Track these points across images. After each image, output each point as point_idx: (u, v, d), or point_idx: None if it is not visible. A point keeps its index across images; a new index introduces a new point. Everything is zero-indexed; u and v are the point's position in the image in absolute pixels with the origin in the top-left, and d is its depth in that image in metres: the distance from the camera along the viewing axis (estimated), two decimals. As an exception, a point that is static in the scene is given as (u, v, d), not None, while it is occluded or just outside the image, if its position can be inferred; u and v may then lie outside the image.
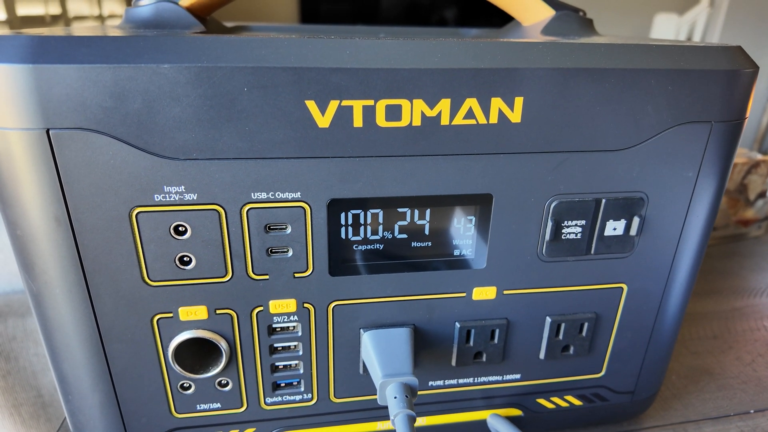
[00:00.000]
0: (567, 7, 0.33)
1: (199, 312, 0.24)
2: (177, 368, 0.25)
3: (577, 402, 0.31)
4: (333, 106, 0.21)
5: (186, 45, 0.20)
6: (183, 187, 0.22)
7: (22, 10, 1.88)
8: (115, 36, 0.20)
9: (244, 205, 0.23)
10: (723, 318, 0.49)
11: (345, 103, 0.22)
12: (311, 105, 0.21)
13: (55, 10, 2.15)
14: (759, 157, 0.63)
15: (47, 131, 0.20)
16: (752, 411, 0.37)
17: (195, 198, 0.22)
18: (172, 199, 0.22)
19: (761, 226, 0.65)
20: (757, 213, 0.64)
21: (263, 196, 0.23)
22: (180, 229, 0.23)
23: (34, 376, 0.66)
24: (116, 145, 0.21)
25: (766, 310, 0.50)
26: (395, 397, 0.23)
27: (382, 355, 0.25)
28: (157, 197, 0.22)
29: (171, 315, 0.24)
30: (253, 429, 0.28)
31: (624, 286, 0.28)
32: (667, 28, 3.31)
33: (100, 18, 2.64)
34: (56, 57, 0.20)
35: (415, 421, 0.22)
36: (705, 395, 0.38)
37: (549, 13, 0.33)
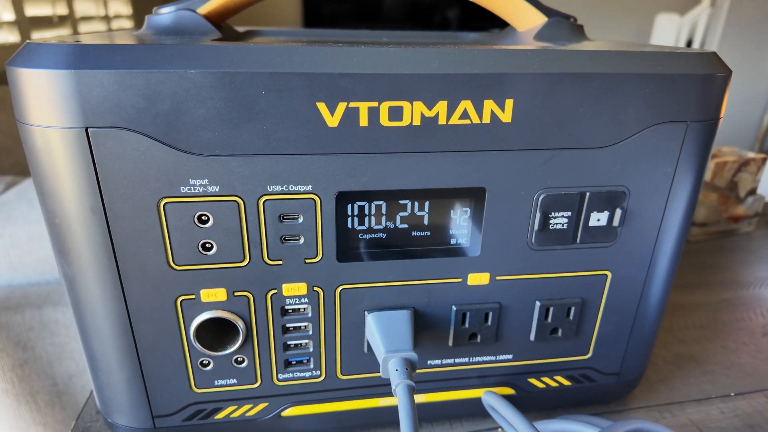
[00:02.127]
0: (558, 14, 0.36)
1: (219, 294, 0.27)
2: (198, 346, 0.27)
3: (566, 382, 0.34)
4: (341, 107, 0.24)
5: (210, 53, 0.23)
6: (206, 180, 0.24)
7: (30, 11, 1.90)
8: (147, 44, 0.23)
9: (261, 196, 0.25)
10: (711, 309, 0.51)
11: (352, 104, 0.24)
12: (322, 106, 0.24)
13: (62, 10, 2.17)
14: (749, 155, 0.65)
15: (86, 130, 0.23)
16: (733, 394, 0.39)
17: (217, 190, 0.24)
18: (196, 191, 0.24)
19: (751, 223, 0.67)
20: (747, 210, 0.66)
21: (278, 188, 0.25)
22: (203, 218, 0.25)
23: (50, 365, 0.69)
24: (147, 142, 0.23)
25: (753, 301, 0.52)
26: (396, 370, 0.25)
27: (384, 334, 0.27)
28: (183, 189, 0.24)
29: (193, 297, 0.27)
30: (266, 404, 0.30)
31: (608, 273, 0.30)
32: (668, 28, 3.32)
33: (106, 18, 2.66)
34: (95, 63, 0.22)
35: (414, 390, 0.24)
36: (690, 380, 0.40)
37: (542, 19, 0.36)
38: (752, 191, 0.66)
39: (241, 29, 0.44)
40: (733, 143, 3.87)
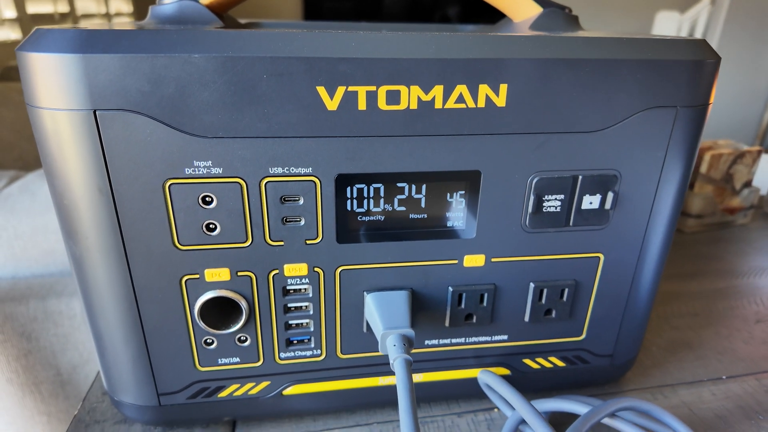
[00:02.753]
0: (553, 4, 0.36)
1: (223, 274, 0.28)
2: (202, 325, 0.28)
3: (560, 363, 0.34)
4: (340, 91, 0.25)
5: (214, 38, 0.24)
6: (210, 162, 0.25)
7: (32, 8, 1.91)
8: (152, 29, 0.23)
9: (263, 178, 0.26)
10: (705, 298, 0.52)
11: (351, 88, 0.25)
12: (321, 90, 0.25)
13: (63, 8, 2.18)
14: (745, 148, 0.65)
15: (94, 112, 0.23)
16: (724, 377, 0.40)
17: (220, 172, 0.25)
18: (200, 172, 0.25)
19: (747, 215, 0.68)
20: (743, 201, 0.67)
21: (279, 170, 0.26)
22: (207, 199, 0.26)
23: (53, 355, 0.70)
24: (153, 124, 0.24)
25: (747, 290, 0.53)
26: (394, 345, 0.26)
27: (383, 313, 0.28)
28: (188, 170, 0.25)
29: (197, 276, 0.27)
30: (268, 382, 0.31)
31: (601, 255, 0.31)
32: (668, 26, 3.32)
33: (107, 16, 2.66)
34: (102, 48, 0.23)
35: (411, 364, 0.25)
36: (682, 364, 0.41)
37: (537, 10, 0.36)
38: (747, 183, 0.66)
39: (243, 21, 0.44)
40: (733, 138, 3.87)
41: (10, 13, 1.79)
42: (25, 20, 1.87)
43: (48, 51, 0.23)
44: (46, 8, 2.09)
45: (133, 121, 0.24)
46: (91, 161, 0.24)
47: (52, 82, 0.23)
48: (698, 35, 3.30)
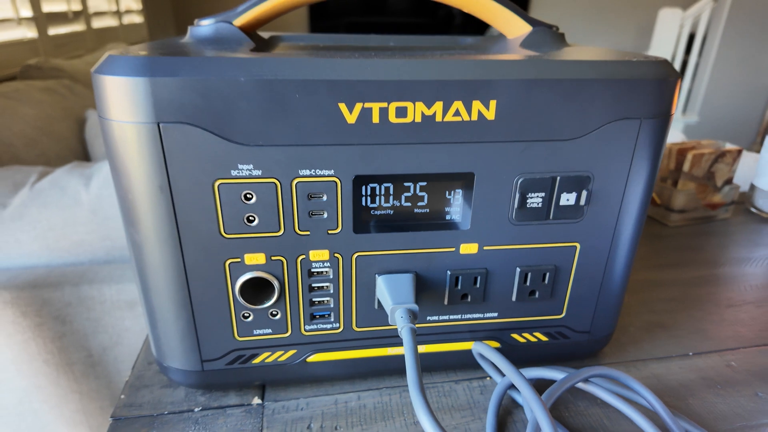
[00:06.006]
0: (542, 24, 0.42)
1: (259, 258, 0.33)
2: (242, 301, 0.34)
3: (543, 338, 0.40)
4: (358, 107, 0.30)
5: (255, 64, 0.29)
6: (251, 165, 0.30)
7: (47, 7, 1.96)
8: (206, 57, 0.29)
9: (294, 178, 0.31)
10: (683, 285, 0.57)
11: (366, 105, 0.30)
12: (342, 106, 0.30)
13: (76, 6, 2.23)
14: (726, 147, 0.70)
15: (158, 124, 0.29)
16: (691, 354, 0.45)
17: (259, 173, 0.31)
18: (243, 173, 0.31)
19: (728, 210, 0.73)
20: (724, 198, 0.72)
21: (307, 172, 0.31)
22: (248, 196, 0.31)
23: (85, 338, 0.76)
24: (205, 134, 0.29)
25: (723, 279, 0.58)
26: (401, 317, 0.31)
27: (392, 291, 0.33)
28: (233, 172, 0.30)
29: (239, 260, 0.33)
30: (294, 351, 0.37)
31: (577, 244, 0.36)
32: (671, 23, 3.35)
33: (118, 13, 2.70)
34: (165, 72, 0.28)
35: (416, 333, 0.31)
36: (656, 342, 0.47)
37: (527, 28, 0.42)
38: (728, 181, 0.71)
39: (265, 35, 0.50)
40: (735, 136, 3.89)
41: (27, 12, 1.85)
42: (40, 19, 1.93)
43: (120, 74, 0.28)
44: (60, 7, 2.15)
45: (189, 131, 0.29)
46: (154, 164, 0.30)
47: (124, 100, 0.29)
48: (700, 32, 3.33)
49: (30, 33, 1.90)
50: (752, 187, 0.76)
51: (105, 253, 0.80)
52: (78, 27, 2.30)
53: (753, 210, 0.76)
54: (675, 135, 1.35)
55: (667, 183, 0.71)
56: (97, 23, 2.51)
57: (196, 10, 4.15)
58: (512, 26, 0.43)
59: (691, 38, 3.49)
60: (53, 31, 2.06)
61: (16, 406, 0.76)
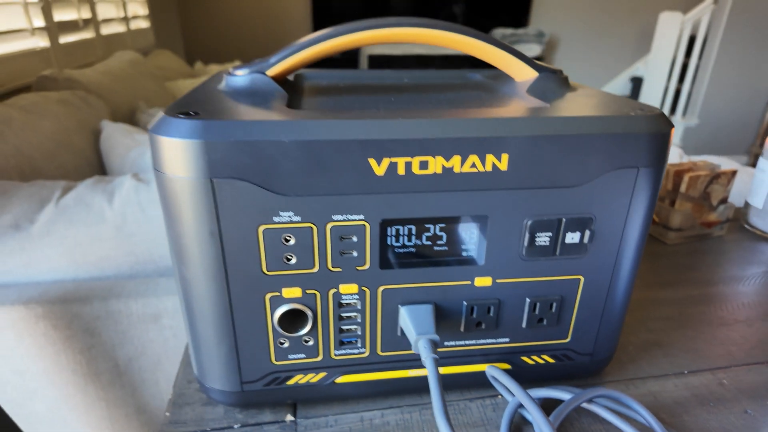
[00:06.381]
0: (548, 69, 0.45)
1: (296, 292, 0.37)
2: (279, 330, 0.38)
3: (550, 360, 0.44)
4: (386, 162, 0.34)
5: (297, 126, 0.33)
6: (291, 212, 0.34)
7: (57, 17, 2.00)
8: (255, 120, 0.33)
9: (328, 223, 0.35)
10: (679, 303, 0.61)
11: (393, 159, 0.34)
12: (372, 161, 0.34)
13: (86, 14, 2.27)
14: (720, 169, 0.74)
15: (211, 180, 0.33)
16: (686, 372, 0.49)
17: (299, 219, 0.35)
18: (284, 219, 0.34)
19: (723, 228, 0.77)
20: (719, 216, 0.76)
21: (340, 217, 0.35)
22: (287, 238, 0.35)
23: (112, 349, 0.80)
24: (252, 187, 0.33)
25: (716, 297, 0.62)
26: (425, 347, 0.35)
27: (414, 321, 0.37)
28: (275, 218, 0.34)
29: (278, 294, 0.37)
30: (325, 373, 0.41)
31: (581, 277, 0.40)
32: (671, 26, 3.38)
33: (125, 19, 2.74)
34: (218, 135, 0.32)
35: (438, 362, 0.35)
36: (653, 360, 0.50)
37: (534, 74, 0.45)
38: (723, 200, 0.75)
39: (290, 77, 0.54)
40: (734, 138, 3.92)
41: (39, 22, 1.89)
42: (52, 29, 1.96)
43: (176, 136, 0.32)
44: (71, 15, 2.19)
45: (238, 185, 0.33)
46: (207, 213, 0.34)
47: (180, 159, 0.32)
48: (700, 36, 3.36)
49: (42, 42, 1.94)
50: (746, 204, 0.80)
51: (129, 268, 0.84)
52: (88, 35, 2.34)
53: (747, 227, 0.79)
54: (672, 150, 1.38)
55: (665, 203, 0.75)
56: (106, 30, 2.55)
57: (200, 13, 4.19)
58: (520, 71, 0.46)
59: (692, 41, 3.52)
60: (64, 39, 2.10)
61: (46, 414, 0.80)
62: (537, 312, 0.41)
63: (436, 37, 0.43)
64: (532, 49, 3.85)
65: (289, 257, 0.36)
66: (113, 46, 2.59)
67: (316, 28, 4.19)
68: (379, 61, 3.99)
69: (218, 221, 0.34)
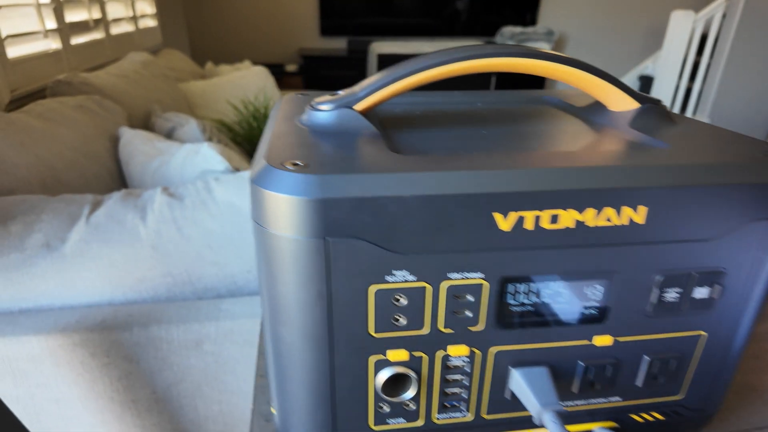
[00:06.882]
0: (650, 100, 0.42)
1: (402, 354, 0.34)
2: (382, 395, 0.34)
3: (660, 417, 0.40)
4: (513, 216, 0.30)
5: (420, 180, 0.29)
6: (406, 271, 0.31)
7: (69, 17, 1.96)
8: (373, 174, 0.29)
9: (443, 281, 0.32)
10: (763, 339, 0.57)
11: (521, 213, 0.30)
12: (497, 216, 0.30)
13: (96, 14, 2.23)
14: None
15: (325, 239, 0.29)
16: (792, 422, 0.46)
17: (413, 279, 0.31)
18: (397, 279, 0.31)
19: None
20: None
21: (457, 276, 0.32)
22: (398, 298, 0.32)
23: (151, 375, 0.76)
24: (369, 246, 0.30)
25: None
26: (554, 422, 0.32)
27: (533, 388, 0.34)
28: (388, 278, 0.31)
29: (383, 357, 0.33)
30: (424, 437, 0.37)
31: (704, 333, 0.37)
32: (683, 25, 3.34)
33: (134, 19, 2.70)
34: (334, 191, 0.29)
35: (569, 437, 0.31)
36: (752, 408, 0.47)
37: (634, 105, 0.42)
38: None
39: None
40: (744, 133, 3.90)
41: (51, 24, 1.84)
42: (64, 30, 1.92)
43: (286, 192, 0.29)
44: (82, 16, 2.14)
45: (354, 244, 0.30)
46: (317, 273, 0.30)
47: (290, 217, 0.29)
48: (712, 34, 3.33)
49: (54, 44, 1.89)
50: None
51: (166, 290, 0.81)
52: (98, 35, 2.29)
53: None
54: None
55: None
56: (116, 30, 2.51)
57: (206, 11, 4.13)
58: (616, 99, 0.43)
59: (703, 39, 3.49)
60: (75, 40, 2.05)
61: (82, 443, 0.77)
62: (654, 370, 0.37)
63: (535, 66, 0.40)
64: (541, 48, 3.81)
65: (398, 318, 0.33)
66: (122, 46, 2.54)
67: (322, 27, 4.15)
68: (389, 60, 3.95)
69: (328, 282, 0.30)
